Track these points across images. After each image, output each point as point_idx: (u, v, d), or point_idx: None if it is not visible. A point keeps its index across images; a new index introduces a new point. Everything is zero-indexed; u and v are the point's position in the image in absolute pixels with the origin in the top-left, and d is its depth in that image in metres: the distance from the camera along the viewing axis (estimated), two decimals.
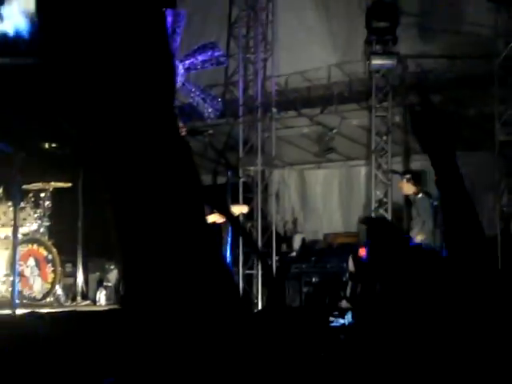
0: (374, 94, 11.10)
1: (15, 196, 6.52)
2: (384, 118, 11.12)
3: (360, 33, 11.01)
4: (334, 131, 11.55)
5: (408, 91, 10.71)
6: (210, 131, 7.20)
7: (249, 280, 11.09)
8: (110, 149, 1.22)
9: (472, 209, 1.98)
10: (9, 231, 8.39)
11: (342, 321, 7.22)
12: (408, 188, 9.21)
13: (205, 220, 1.26)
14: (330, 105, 11.40)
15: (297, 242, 12.06)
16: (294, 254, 11.75)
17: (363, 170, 12.40)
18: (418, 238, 8.64)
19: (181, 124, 7.26)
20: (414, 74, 10.89)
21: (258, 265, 11.04)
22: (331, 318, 7.15)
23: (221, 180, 12.63)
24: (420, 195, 9.07)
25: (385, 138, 11.15)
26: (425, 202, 9.03)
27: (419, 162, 10.27)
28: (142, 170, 1.21)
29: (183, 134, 7.18)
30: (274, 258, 11.31)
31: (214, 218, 7.48)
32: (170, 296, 1.19)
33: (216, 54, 11.18)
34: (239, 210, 7.89)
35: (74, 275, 9.01)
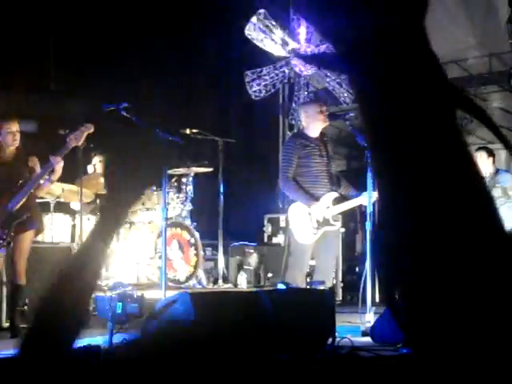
0: None
1: (163, 181, 6.69)
2: None
3: (500, 11, 10.64)
4: None
5: None
6: (351, 114, 7.14)
7: None
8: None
9: None
10: (153, 215, 8.67)
11: None
12: (489, 165, 8.78)
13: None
14: (469, 87, 11.10)
15: None
16: None
17: (503, 154, 12.00)
18: None
19: (323, 107, 7.25)
20: None
21: None
22: None
23: (354, 165, 12.57)
24: (501, 171, 8.65)
25: None
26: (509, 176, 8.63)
27: None
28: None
29: (325, 116, 7.17)
30: None
31: None
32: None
33: None
34: None
35: (214, 259, 9.20)
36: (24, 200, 6.95)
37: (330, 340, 5.35)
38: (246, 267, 9.30)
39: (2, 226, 6.85)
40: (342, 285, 9.31)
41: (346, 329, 6.18)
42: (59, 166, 6.95)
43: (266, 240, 10.00)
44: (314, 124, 7.16)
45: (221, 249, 8.96)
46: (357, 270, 10.87)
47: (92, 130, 7.21)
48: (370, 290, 6.90)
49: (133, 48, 11.73)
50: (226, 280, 9.08)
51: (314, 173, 7.09)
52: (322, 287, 6.30)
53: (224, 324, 4.79)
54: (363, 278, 7.42)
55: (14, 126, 6.89)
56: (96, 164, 9.04)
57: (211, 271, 9.24)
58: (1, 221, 6.88)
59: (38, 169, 7.08)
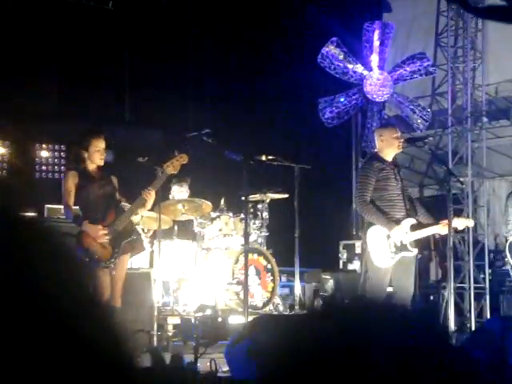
0: None
1: (243, 207, 6.78)
2: None
3: None
4: None
5: None
6: (431, 138, 7.11)
7: (460, 294, 10.85)
8: None
9: None
10: (230, 242, 8.75)
11: None
12: None
13: None
14: None
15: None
16: (508, 266, 11.34)
17: None
18: None
19: (398, 133, 7.24)
20: None
21: (469, 279, 10.79)
22: None
23: (428, 193, 12.48)
24: None
25: None
26: None
27: None
28: None
29: (400, 142, 7.14)
30: (487, 271, 10.98)
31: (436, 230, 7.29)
32: None
33: (425, 64, 11.07)
34: (464, 223, 7.52)
35: (289, 285, 9.22)
36: (127, 222, 7.01)
37: None
38: (322, 293, 9.30)
39: (113, 246, 6.85)
40: None
41: None
42: (151, 197, 7.02)
43: (341, 266, 10.00)
44: (388, 149, 7.15)
45: (297, 275, 8.96)
46: (431, 298, 10.75)
47: (186, 161, 7.28)
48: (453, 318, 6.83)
49: (205, 76, 11.94)
50: (302, 306, 9.07)
51: (390, 196, 7.07)
52: None
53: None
54: (443, 306, 7.34)
55: (102, 144, 7.00)
56: (175, 192, 9.17)
57: (287, 297, 9.25)
58: (112, 240, 6.87)
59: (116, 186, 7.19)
